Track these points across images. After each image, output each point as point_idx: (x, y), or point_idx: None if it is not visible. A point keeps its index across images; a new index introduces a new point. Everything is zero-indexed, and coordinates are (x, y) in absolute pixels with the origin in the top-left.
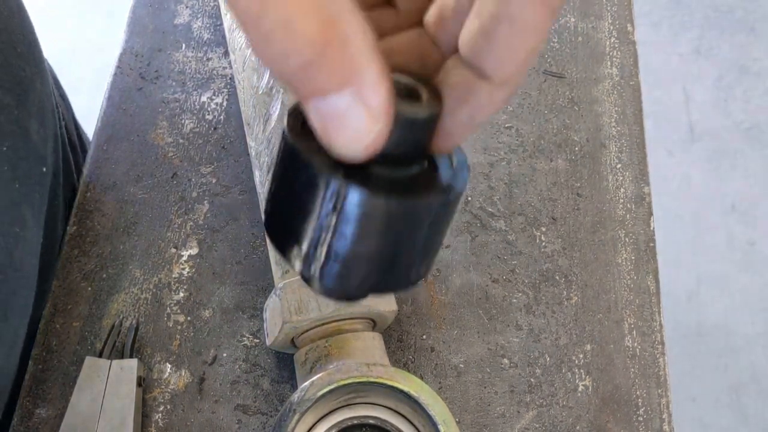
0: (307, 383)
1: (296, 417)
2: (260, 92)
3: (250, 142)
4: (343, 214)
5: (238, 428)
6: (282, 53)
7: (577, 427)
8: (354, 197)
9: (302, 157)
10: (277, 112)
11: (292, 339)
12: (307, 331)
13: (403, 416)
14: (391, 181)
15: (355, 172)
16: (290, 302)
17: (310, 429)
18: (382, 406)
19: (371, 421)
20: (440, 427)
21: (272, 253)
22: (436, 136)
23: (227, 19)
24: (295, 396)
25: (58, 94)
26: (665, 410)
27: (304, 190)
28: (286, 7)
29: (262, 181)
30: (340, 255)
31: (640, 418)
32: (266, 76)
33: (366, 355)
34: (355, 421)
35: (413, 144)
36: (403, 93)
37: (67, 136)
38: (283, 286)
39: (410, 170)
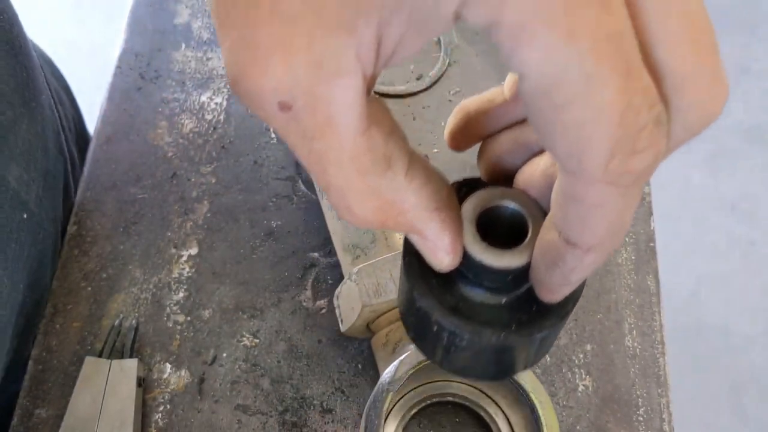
0: (396, 362)
1: (389, 396)
2: None
3: None
4: (458, 345)
5: (238, 428)
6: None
7: (578, 427)
8: (465, 336)
9: (418, 298)
10: None
11: (368, 323)
12: (384, 313)
13: (480, 390)
14: (501, 311)
15: (467, 305)
16: (367, 286)
17: (393, 406)
18: (458, 381)
19: (450, 398)
20: (531, 395)
21: (337, 239)
22: (535, 286)
23: None
24: (386, 376)
25: (68, 100)
26: (665, 410)
27: (424, 320)
28: (343, 194)
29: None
30: (460, 365)
31: (640, 418)
32: None
33: None
34: (435, 399)
35: (504, 280)
36: (501, 231)
37: (76, 150)
38: (357, 272)
39: (519, 291)
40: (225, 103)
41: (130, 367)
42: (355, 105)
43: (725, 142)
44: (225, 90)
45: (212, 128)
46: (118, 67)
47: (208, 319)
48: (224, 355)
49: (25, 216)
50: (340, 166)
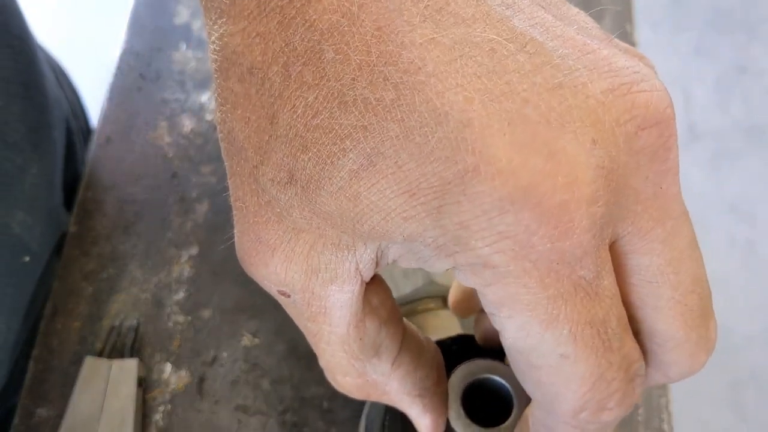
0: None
1: None
2: None
3: None
4: None
5: (238, 428)
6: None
7: None
8: None
9: None
10: None
11: None
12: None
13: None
14: None
15: None
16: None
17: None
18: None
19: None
20: None
21: None
22: None
23: None
24: None
25: (80, 110)
26: (665, 410)
27: None
28: (330, 368)
29: None
30: None
31: (640, 418)
32: None
33: (447, 332)
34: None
35: None
36: (488, 401)
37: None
38: None
39: None
40: None
41: (130, 367)
42: (350, 304)
43: (725, 142)
44: None
45: (212, 128)
46: (118, 67)
47: (208, 319)
48: (224, 355)
49: (27, 259)
50: (329, 345)
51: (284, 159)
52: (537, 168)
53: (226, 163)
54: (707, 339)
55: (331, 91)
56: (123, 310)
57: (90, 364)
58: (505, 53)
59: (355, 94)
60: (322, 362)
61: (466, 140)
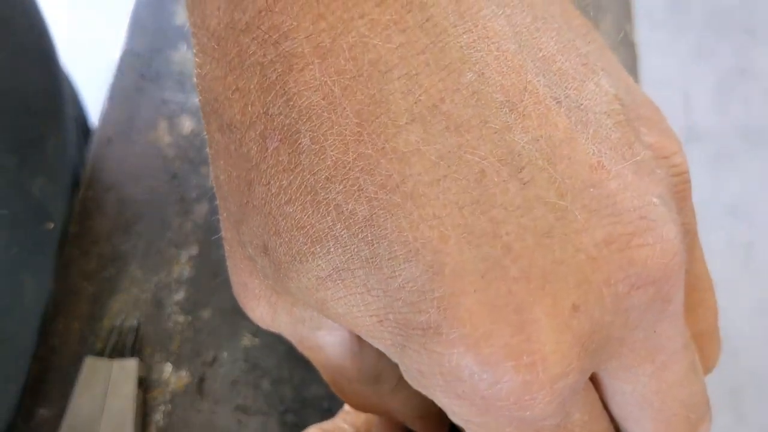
0: None
1: None
2: None
3: None
4: None
5: (238, 429)
6: None
7: None
8: None
9: None
10: None
11: None
12: None
13: None
14: None
15: None
16: None
17: None
18: None
19: None
20: None
21: None
22: None
23: None
24: None
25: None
26: None
27: None
28: (334, 385)
29: None
30: None
31: None
32: None
33: None
34: None
35: None
36: None
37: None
38: None
39: None
40: None
41: (130, 367)
42: (342, 342)
43: (725, 143)
44: None
45: None
46: (119, 67)
47: (208, 319)
48: (224, 355)
49: (51, 225)
50: (329, 372)
51: (259, 230)
52: (502, 341)
53: (218, 200)
54: None
55: (305, 184)
56: (123, 310)
57: (90, 364)
58: (496, 180)
59: (328, 198)
60: (327, 381)
61: (433, 291)
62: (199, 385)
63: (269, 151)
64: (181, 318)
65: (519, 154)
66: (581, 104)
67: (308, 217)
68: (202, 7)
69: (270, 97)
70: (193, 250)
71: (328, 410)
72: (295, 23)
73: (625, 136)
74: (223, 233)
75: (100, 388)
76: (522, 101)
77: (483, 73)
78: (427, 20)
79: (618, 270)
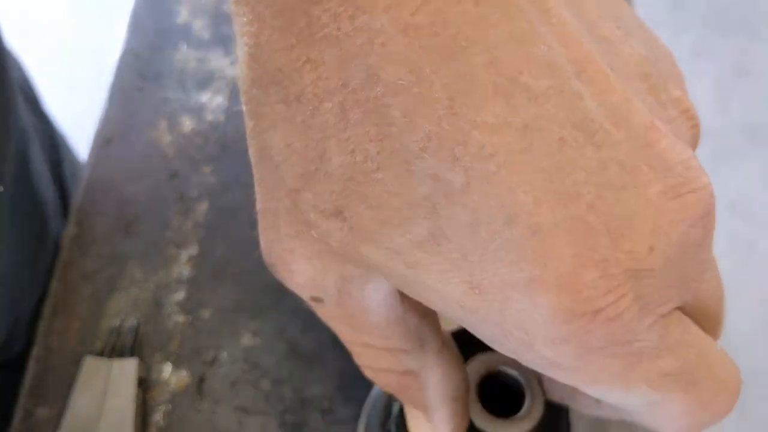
0: None
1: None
2: None
3: None
4: None
5: (238, 428)
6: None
7: (579, 428)
8: None
9: None
10: None
11: None
12: None
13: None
14: None
15: None
16: None
17: None
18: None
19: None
20: None
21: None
22: None
23: None
24: None
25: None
26: None
27: None
28: (369, 363)
29: None
30: None
31: None
32: None
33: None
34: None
35: None
36: (497, 392)
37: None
38: None
39: None
40: (225, 103)
41: (130, 367)
42: (390, 299)
43: (725, 142)
44: (225, 90)
45: (212, 128)
46: (118, 67)
47: (208, 319)
48: (224, 355)
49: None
50: (370, 341)
51: (333, 195)
52: (593, 284)
53: (255, 172)
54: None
55: (397, 154)
56: (123, 310)
57: (90, 364)
58: (574, 145)
59: (424, 167)
60: (361, 361)
61: (534, 249)
62: (199, 385)
63: (351, 122)
64: (181, 318)
65: (592, 120)
66: (622, 69)
67: (401, 185)
68: None
69: (349, 72)
70: (193, 250)
71: (329, 410)
72: None
73: (659, 98)
74: (261, 204)
75: (99, 388)
76: (586, 70)
77: (551, 45)
78: None
79: (678, 212)
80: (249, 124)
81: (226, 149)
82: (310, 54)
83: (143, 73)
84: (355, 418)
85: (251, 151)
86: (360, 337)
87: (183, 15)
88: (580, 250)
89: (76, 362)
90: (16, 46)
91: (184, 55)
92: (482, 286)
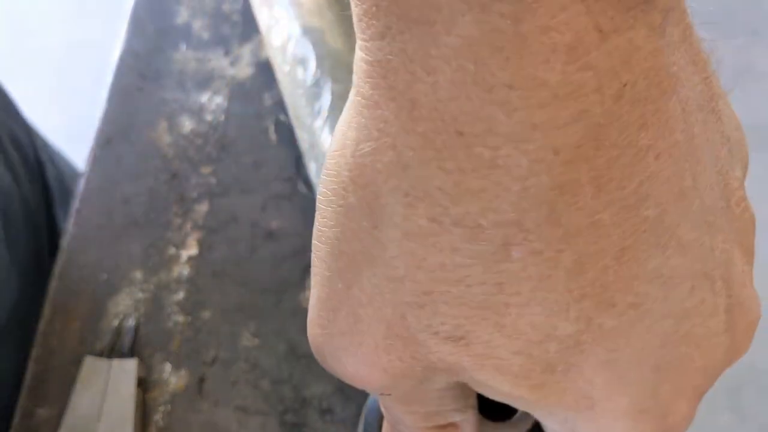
0: None
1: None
2: (308, 84)
3: (303, 134)
4: None
5: (238, 428)
6: None
7: None
8: None
9: None
10: (329, 102)
11: None
12: None
13: None
14: None
15: None
16: None
17: None
18: None
19: None
20: None
21: None
22: None
23: (264, 17)
24: None
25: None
26: None
27: None
28: (414, 422)
29: (317, 173)
30: None
31: None
32: (311, 67)
33: None
34: None
35: None
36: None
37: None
38: None
39: None
40: (225, 103)
41: (130, 367)
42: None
43: None
44: (225, 90)
45: (212, 128)
46: (118, 67)
47: (208, 319)
48: (224, 355)
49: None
50: (415, 414)
51: (461, 321)
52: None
53: (343, 271)
54: None
55: (555, 294)
56: (123, 310)
57: (90, 364)
58: (700, 294)
59: (580, 308)
60: (404, 424)
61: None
62: (199, 385)
63: (513, 256)
64: (180, 318)
65: (716, 268)
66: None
67: (544, 322)
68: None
69: (529, 208)
70: (193, 250)
71: (328, 410)
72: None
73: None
74: (335, 297)
75: (99, 388)
76: (716, 220)
77: (703, 199)
78: (673, 146)
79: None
80: (363, 217)
81: (226, 149)
82: (489, 190)
83: (143, 73)
84: (355, 418)
85: (337, 235)
86: (411, 407)
87: (183, 15)
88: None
89: (76, 362)
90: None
91: (184, 55)
92: (590, 402)
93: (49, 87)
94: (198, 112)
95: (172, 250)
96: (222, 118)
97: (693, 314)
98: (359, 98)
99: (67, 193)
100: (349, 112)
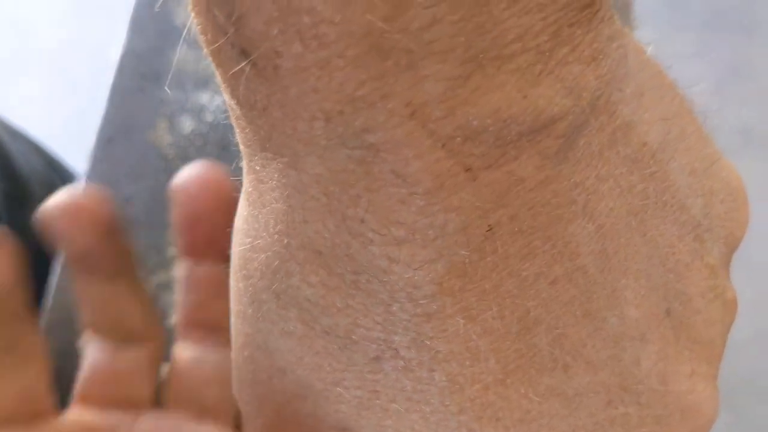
0: None
1: None
2: None
3: None
4: None
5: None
6: None
7: None
8: None
9: None
10: None
11: None
12: None
13: None
14: None
15: None
16: None
17: None
18: None
19: None
20: None
21: None
22: None
23: None
24: None
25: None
26: None
27: None
28: None
29: None
30: None
31: None
32: None
33: None
34: None
35: None
36: None
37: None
38: None
39: None
40: (225, 104)
41: None
42: None
43: (722, 143)
44: None
45: (212, 129)
46: (119, 67)
47: None
48: None
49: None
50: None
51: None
52: None
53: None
54: None
55: (434, 409)
56: None
57: None
58: (620, 407)
59: (460, 423)
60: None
61: None
62: None
63: (385, 369)
64: None
65: (641, 381)
66: (683, 293)
67: (434, 427)
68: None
69: (396, 330)
70: None
71: None
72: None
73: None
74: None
75: None
76: (649, 331)
77: (623, 314)
78: (576, 270)
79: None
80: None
81: (226, 150)
82: (349, 301)
83: (144, 74)
84: None
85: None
86: None
87: (183, 15)
88: None
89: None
90: (16, 46)
91: (184, 55)
92: None
93: (49, 87)
94: (198, 113)
95: (172, 250)
96: (222, 118)
97: (613, 425)
98: (244, 188)
99: None
100: (241, 197)
